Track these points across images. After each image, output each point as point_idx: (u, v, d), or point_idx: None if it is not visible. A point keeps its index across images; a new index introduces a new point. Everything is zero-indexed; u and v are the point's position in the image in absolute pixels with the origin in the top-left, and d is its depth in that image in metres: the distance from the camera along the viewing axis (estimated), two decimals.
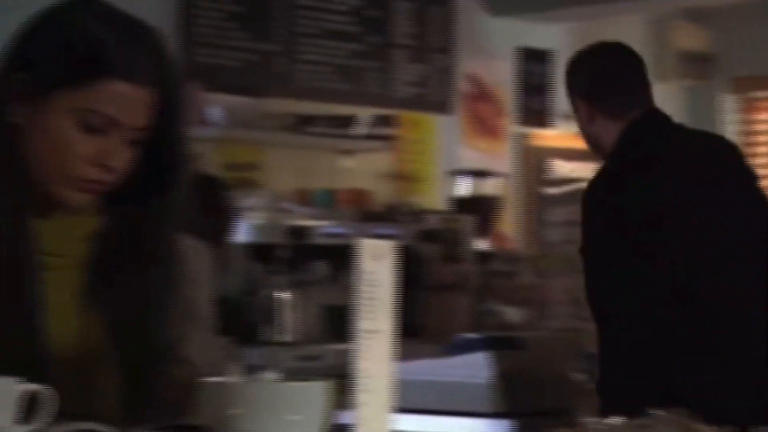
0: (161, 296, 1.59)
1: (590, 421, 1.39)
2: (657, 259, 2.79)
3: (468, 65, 6.16)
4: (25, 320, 1.50)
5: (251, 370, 1.32)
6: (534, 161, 6.45)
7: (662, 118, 2.95)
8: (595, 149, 2.94)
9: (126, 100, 1.51)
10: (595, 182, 2.89)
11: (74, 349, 1.54)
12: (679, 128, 3.01)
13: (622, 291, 2.83)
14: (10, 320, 1.49)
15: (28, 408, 1.26)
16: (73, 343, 1.54)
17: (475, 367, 3.44)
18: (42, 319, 1.51)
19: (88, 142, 1.50)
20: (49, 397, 1.25)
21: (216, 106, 5.06)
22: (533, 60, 6.41)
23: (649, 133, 2.89)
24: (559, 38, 6.36)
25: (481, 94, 6.28)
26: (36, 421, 1.23)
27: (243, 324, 4.78)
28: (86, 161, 1.51)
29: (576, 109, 2.93)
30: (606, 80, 2.91)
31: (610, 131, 2.85)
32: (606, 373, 2.89)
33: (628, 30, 6.17)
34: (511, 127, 6.38)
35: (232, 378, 1.29)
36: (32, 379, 1.26)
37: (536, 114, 6.42)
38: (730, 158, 2.98)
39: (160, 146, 1.56)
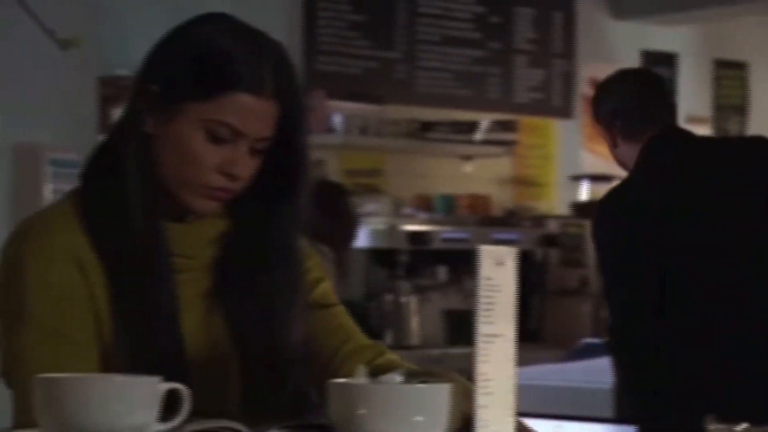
0: (285, 299, 1.64)
1: (718, 428, 1.39)
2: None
3: (590, 69, 6.12)
4: (162, 321, 1.56)
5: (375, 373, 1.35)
6: None
7: (678, 134, 2.99)
8: (625, 170, 3.06)
9: (251, 113, 1.56)
10: (602, 205, 2.96)
11: (201, 348, 1.60)
12: (704, 140, 3.06)
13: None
14: (147, 321, 1.55)
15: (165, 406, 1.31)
16: (200, 343, 1.60)
17: (598, 373, 3.42)
18: (178, 320, 1.57)
19: (214, 152, 1.56)
20: (188, 396, 1.30)
21: (338, 114, 5.13)
22: (656, 63, 6.34)
23: (663, 150, 2.96)
24: (683, 41, 6.27)
25: None
26: (176, 419, 1.29)
27: (365, 328, 4.83)
28: (212, 170, 1.56)
29: (601, 134, 3.08)
30: (623, 107, 3.03)
31: (631, 153, 2.98)
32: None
33: (749, 31, 6.06)
34: None
35: (357, 380, 1.33)
36: (168, 378, 1.31)
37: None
38: (756, 163, 2.96)
39: (284, 153, 1.61)
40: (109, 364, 1.54)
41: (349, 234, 4.26)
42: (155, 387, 1.28)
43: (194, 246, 1.61)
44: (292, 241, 1.65)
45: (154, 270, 1.56)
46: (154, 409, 1.28)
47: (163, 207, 1.59)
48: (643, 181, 2.93)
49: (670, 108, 3.07)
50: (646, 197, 2.89)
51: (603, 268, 2.97)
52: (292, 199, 1.63)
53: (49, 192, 2.69)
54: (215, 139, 1.56)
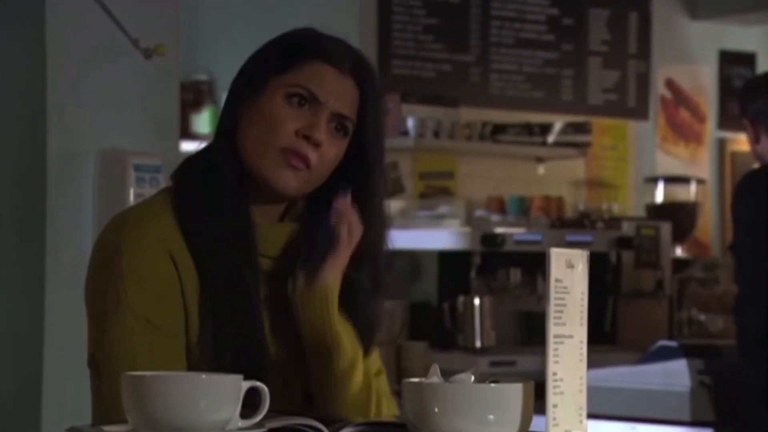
0: (366, 298, 1.67)
1: None
2: None
3: (666, 70, 6.08)
4: (248, 319, 1.59)
5: (447, 374, 1.38)
6: (735, 167, 6.30)
7: None
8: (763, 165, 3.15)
9: (330, 82, 1.61)
10: (747, 180, 3.01)
11: (276, 349, 1.63)
12: None
13: None
14: (233, 317, 1.58)
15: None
16: (275, 344, 1.62)
17: (674, 375, 3.41)
18: (262, 317, 1.60)
19: (294, 115, 1.60)
20: (267, 394, 1.35)
21: (412, 117, 5.16)
22: (735, 63, 6.27)
23: None
24: (761, 40, 6.20)
25: (679, 99, 6.19)
26: (257, 415, 1.33)
27: (439, 330, 4.86)
28: (291, 132, 1.59)
29: (745, 128, 3.16)
30: None
31: None
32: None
33: None
34: (712, 132, 6.26)
35: (431, 379, 1.36)
36: (248, 375, 1.35)
37: (738, 118, 6.28)
38: None
39: (360, 146, 1.64)
40: (192, 356, 1.58)
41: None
42: (238, 384, 1.33)
43: (275, 247, 1.64)
44: (379, 239, 1.66)
45: (243, 266, 1.59)
46: (237, 406, 1.32)
47: (254, 202, 1.63)
48: None
49: None
50: None
51: (738, 243, 3.02)
52: (373, 191, 1.65)
53: (133, 196, 2.76)
54: (295, 103, 1.60)
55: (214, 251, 1.59)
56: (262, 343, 1.60)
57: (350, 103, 1.63)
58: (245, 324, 1.59)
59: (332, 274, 1.61)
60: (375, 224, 1.66)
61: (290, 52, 1.62)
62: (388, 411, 1.66)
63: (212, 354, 1.57)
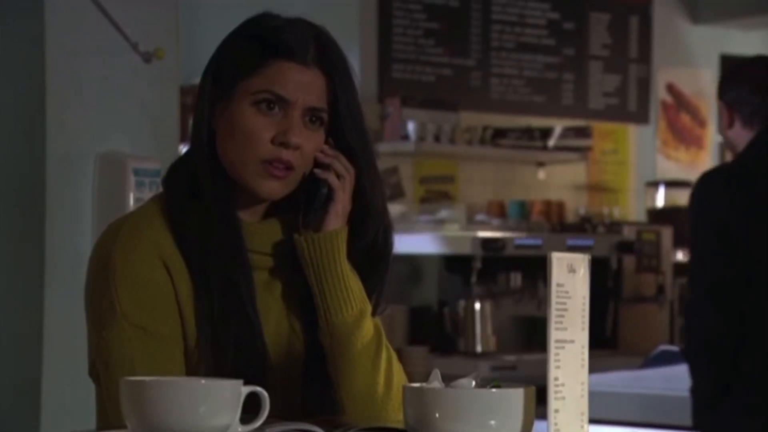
0: (373, 260, 1.65)
1: None
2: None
3: (666, 75, 6.08)
4: (245, 322, 1.58)
5: (448, 378, 1.37)
6: None
7: None
8: (732, 152, 3.16)
9: (295, 79, 1.59)
10: (701, 182, 3.02)
11: (276, 350, 1.62)
12: None
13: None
14: (229, 318, 1.58)
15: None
16: (276, 344, 1.62)
17: (675, 380, 3.41)
18: (258, 320, 1.60)
19: (267, 124, 1.59)
20: (267, 399, 1.34)
21: (412, 121, 5.16)
22: None
23: None
24: (762, 44, 6.20)
25: (680, 104, 6.19)
26: (256, 421, 1.33)
27: (439, 334, 4.85)
28: (267, 142, 1.58)
29: (720, 112, 3.14)
30: (750, 91, 3.07)
31: (744, 137, 3.05)
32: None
33: None
34: (712, 136, 6.26)
35: (432, 384, 1.36)
36: (248, 378, 1.35)
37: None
38: None
39: (341, 139, 1.62)
40: (191, 360, 1.58)
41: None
42: (238, 390, 1.32)
43: (267, 243, 1.64)
44: (374, 190, 1.64)
45: (235, 266, 1.59)
46: (237, 411, 1.31)
47: (240, 203, 1.63)
48: (750, 161, 2.98)
49: None
50: (752, 175, 2.94)
51: (694, 240, 3.01)
52: (354, 149, 1.63)
53: (132, 200, 2.76)
54: (265, 110, 1.59)
55: (204, 254, 1.59)
56: (262, 344, 1.59)
57: (319, 93, 1.61)
58: (242, 326, 1.58)
59: (335, 219, 1.61)
60: (368, 177, 1.63)
61: (252, 52, 1.60)
62: (398, 379, 1.64)
63: (211, 357, 1.56)
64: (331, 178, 1.61)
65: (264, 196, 1.61)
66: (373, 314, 1.65)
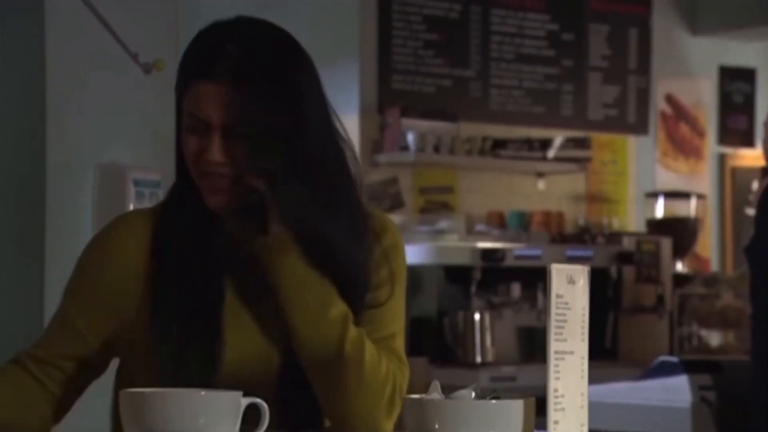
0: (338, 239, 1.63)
1: None
2: None
3: (666, 85, 6.09)
4: (209, 326, 1.60)
5: (448, 389, 1.37)
6: (735, 182, 6.31)
7: None
8: None
9: (205, 98, 1.61)
10: None
11: (248, 356, 1.61)
12: None
13: None
14: (195, 323, 1.60)
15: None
16: (247, 351, 1.61)
17: (675, 391, 3.41)
18: (223, 323, 1.60)
19: (193, 143, 1.63)
20: (266, 410, 1.34)
21: (412, 131, 5.17)
22: (735, 78, 6.28)
23: None
24: (761, 55, 6.21)
25: (680, 114, 6.20)
26: (257, 430, 1.33)
27: (439, 345, 4.85)
28: (195, 160, 1.63)
29: (765, 124, 3.21)
30: None
31: None
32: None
33: None
34: (712, 147, 6.27)
35: (431, 395, 1.36)
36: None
37: (738, 133, 6.29)
38: None
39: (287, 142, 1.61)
40: (149, 358, 1.60)
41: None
42: (238, 401, 1.32)
43: (243, 245, 1.64)
44: (338, 241, 1.62)
45: (208, 266, 1.63)
46: (236, 423, 1.32)
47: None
48: None
49: None
50: None
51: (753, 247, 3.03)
52: (301, 173, 1.61)
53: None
54: (193, 129, 1.63)
55: (174, 249, 1.64)
56: (220, 346, 1.59)
57: (232, 105, 1.61)
58: (199, 323, 1.60)
59: (277, 223, 1.61)
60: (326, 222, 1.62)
61: (181, 75, 1.66)
62: (388, 367, 1.62)
63: (167, 355, 1.58)
64: (254, 181, 1.61)
65: (213, 209, 1.65)
66: (357, 303, 1.63)
